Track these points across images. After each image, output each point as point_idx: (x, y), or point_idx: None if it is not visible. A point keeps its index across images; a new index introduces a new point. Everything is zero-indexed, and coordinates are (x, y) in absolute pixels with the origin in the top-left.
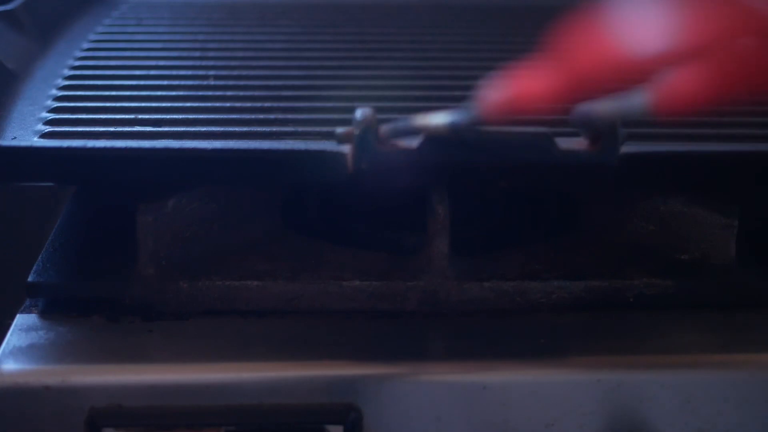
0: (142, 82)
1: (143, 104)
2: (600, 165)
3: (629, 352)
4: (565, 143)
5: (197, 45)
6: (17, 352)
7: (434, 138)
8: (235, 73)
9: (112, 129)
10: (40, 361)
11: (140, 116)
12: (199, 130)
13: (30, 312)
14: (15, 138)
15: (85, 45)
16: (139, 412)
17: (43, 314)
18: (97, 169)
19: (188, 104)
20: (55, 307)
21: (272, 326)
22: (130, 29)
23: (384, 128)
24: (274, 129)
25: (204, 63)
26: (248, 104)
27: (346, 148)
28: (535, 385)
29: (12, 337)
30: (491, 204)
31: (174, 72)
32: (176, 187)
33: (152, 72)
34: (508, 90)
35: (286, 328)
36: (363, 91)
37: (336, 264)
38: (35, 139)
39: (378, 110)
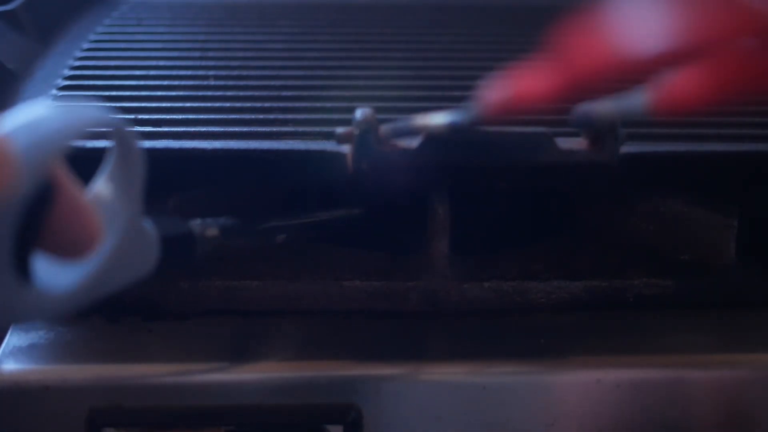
0: (142, 82)
1: (143, 104)
2: (600, 165)
3: (629, 352)
4: (565, 143)
5: (197, 45)
6: (17, 352)
7: (434, 138)
8: (235, 73)
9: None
10: (40, 361)
11: (140, 116)
12: (199, 130)
13: None
14: None
15: (85, 45)
16: (139, 412)
17: None
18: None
19: (188, 104)
20: None
21: (272, 326)
22: (130, 29)
23: (384, 128)
24: (274, 129)
25: (204, 63)
26: (248, 104)
27: (346, 148)
28: (535, 385)
29: (12, 337)
30: (491, 204)
31: (174, 72)
32: (176, 187)
33: (152, 72)
34: (508, 90)
35: (286, 328)
36: (363, 91)
37: (336, 264)
38: None
39: (378, 110)
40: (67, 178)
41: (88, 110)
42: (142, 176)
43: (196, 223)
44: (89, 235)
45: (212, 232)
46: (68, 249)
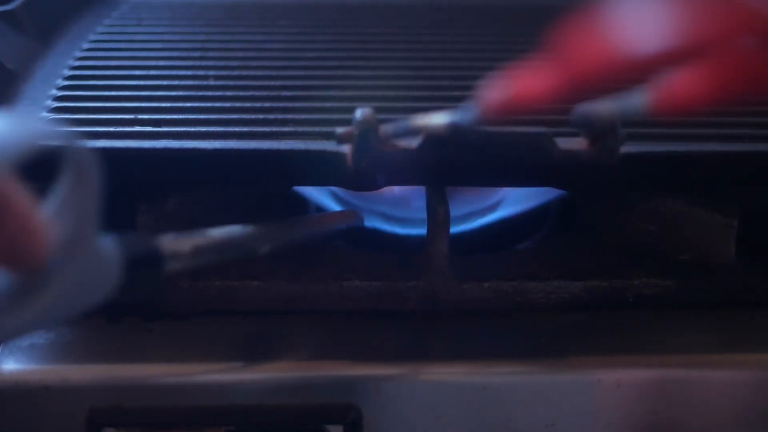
0: (142, 82)
1: (143, 104)
2: (600, 165)
3: (629, 352)
4: (565, 143)
5: (197, 45)
6: (17, 352)
7: (434, 138)
8: (235, 73)
9: (111, 129)
10: (40, 361)
11: (140, 116)
12: (199, 131)
13: None
14: None
15: (85, 45)
16: (139, 412)
17: None
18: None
19: (188, 104)
20: None
21: (272, 326)
22: (130, 29)
23: (384, 128)
24: (274, 129)
25: (204, 63)
26: (248, 104)
27: (346, 148)
28: (535, 385)
29: None
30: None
31: (174, 72)
32: (176, 187)
33: (152, 72)
34: (508, 90)
35: (286, 328)
36: (363, 91)
37: (336, 264)
38: None
39: (378, 110)
40: (14, 188)
41: (38, 125)
42: (96, 195)
43: (166, 239)
44: (36, 247)
45: (183, 248)
46: (12, 258)
